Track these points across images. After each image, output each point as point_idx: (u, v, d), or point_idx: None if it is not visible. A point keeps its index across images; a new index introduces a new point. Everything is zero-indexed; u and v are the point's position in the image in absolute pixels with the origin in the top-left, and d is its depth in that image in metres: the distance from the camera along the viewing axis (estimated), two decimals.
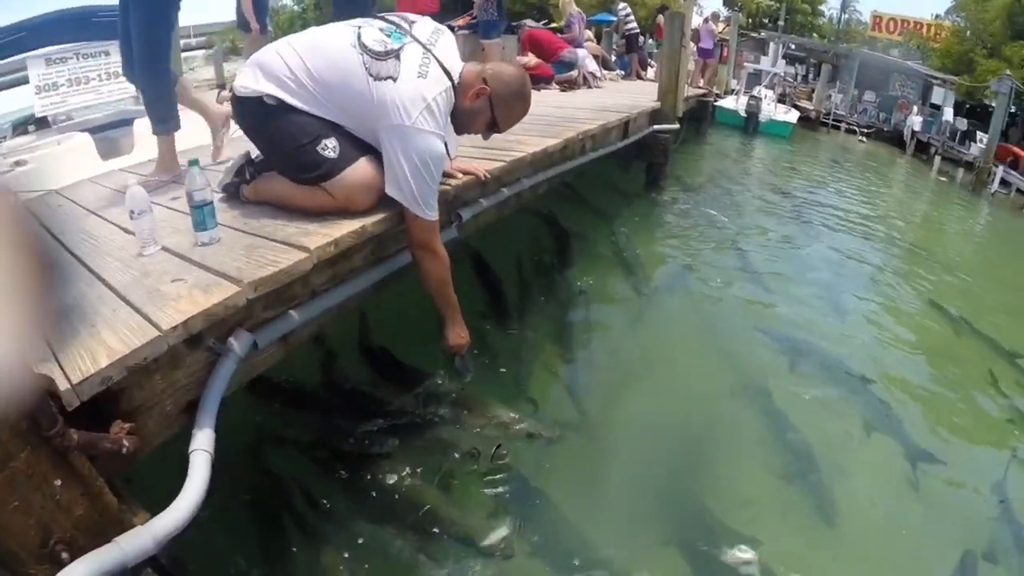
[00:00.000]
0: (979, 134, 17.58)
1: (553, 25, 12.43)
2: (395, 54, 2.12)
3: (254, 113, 2.20)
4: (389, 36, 2.16)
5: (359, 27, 2.19)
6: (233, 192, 2.50)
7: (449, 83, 2.20)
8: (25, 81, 6.62)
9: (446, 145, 2.23)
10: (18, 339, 0.97)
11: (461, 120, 2.35)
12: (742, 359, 3.78)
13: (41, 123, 7.00)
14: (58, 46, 6.84)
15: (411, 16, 2.34)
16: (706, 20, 13.00)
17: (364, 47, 2.11)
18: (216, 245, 1.99)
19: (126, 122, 6.25)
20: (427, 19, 2.37)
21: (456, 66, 2.27)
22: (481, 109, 2.31)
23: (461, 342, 2.60)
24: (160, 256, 1.97)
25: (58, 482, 1.24)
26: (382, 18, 2.28)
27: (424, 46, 2.18)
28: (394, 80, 2.08)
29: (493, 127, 2.40)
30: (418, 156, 2.09)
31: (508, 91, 2.33)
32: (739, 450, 2.97)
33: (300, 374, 2.94)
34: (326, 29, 2.27)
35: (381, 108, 2.08)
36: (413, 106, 2.07)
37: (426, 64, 2.14)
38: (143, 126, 5.91)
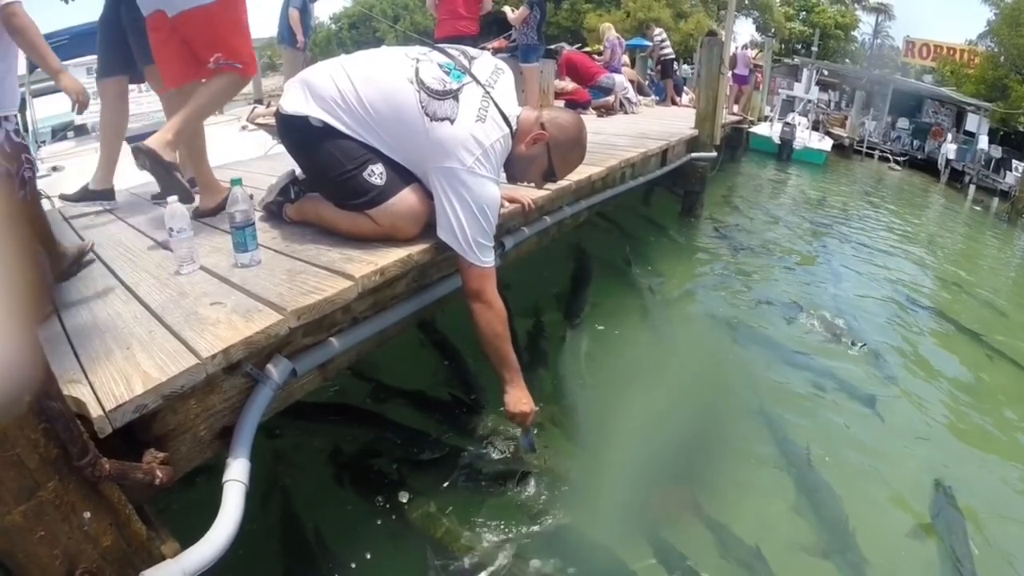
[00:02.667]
0: (1015, 162, 17.25)
1: (587, 49, 12.47)
2: (454, 94, 2.06)
3: (299, 133, 2.16)
4: (448, 73, 2.11)
5: (418, 60, 2.13)
6: (275, 211, 2.46)
7: (507, 130, 2.14)
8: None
9: None
10: (16, 339, 0.92)
11: (517, 167, 2.29)
12: (772, 391, 3.68)
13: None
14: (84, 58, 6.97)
15: (471, 51, 2.29)
16: (744, 47, 12.97)
17: (422, 83, 2.06)
18: (256, 267, 1.95)
19: None
20: (487, 56, 2.31)
21: (514, 111, 2.22)
22: (538, 155, 2.25)
23: (525, 410, 2.32)
24: (198, 276, 1.93)
25: (87, 513, 1.18)
26: (442, 51, 2.23)
27: (484, 87, 2.12)
28: (451, 122, 2.02)
29: (549, 176, 2.34)
30: (474, 202, 2.03)
31: (566, 138, 2.27)
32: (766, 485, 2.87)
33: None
34: (383, 57, 2.21)
35: (436, 149, 2.02)
36: (469, 151, 2.01)
37: (485, 108, 2.08)
38: None
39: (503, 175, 2.27)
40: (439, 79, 2.08)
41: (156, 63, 2.63)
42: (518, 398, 2.30)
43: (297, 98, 2.14)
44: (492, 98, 2.11)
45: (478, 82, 2.13)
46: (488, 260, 2.13)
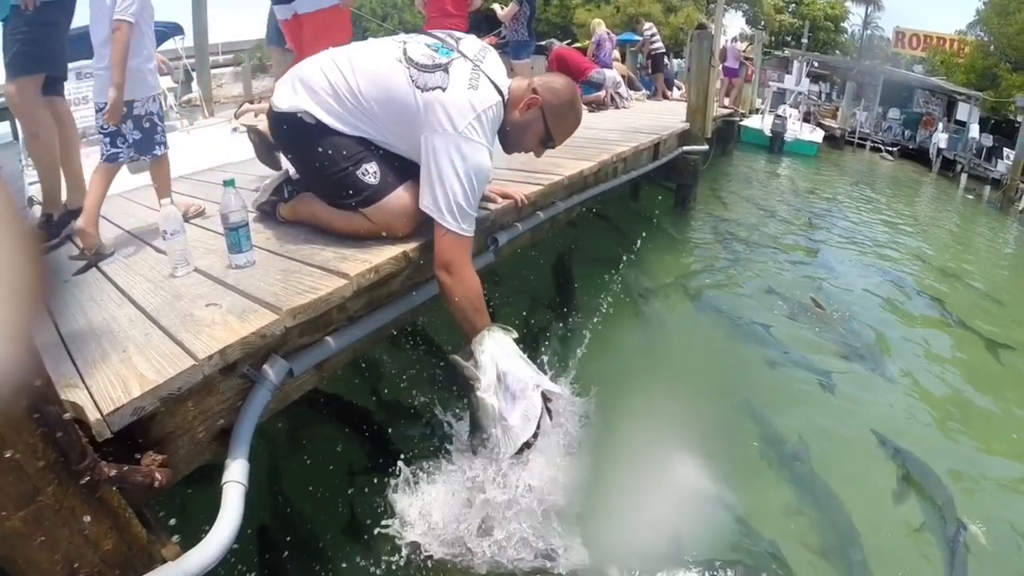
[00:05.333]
0: (1006, 150, 17.26)
1: (577, 45, 12.45)
2: (443, 67, 2.07)
3: (292, 130, 2.15)
4: (437, 51, 2.12)
5: (404, 42, 2.15)
6: (268, 211, 2.46)
7: (499, 98, 2.14)
8: None
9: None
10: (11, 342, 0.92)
11: (513, 136, 2.28)
12: (765, 384, 3.71)
13: None
14: (89, 60, 6.94)
15: (457, 33, 2.29)
16: (733, 40, 12.96)
17: (410, 60, 2.07)
18: (251, 268, 1.95)
19: None
20: (473, 37, 2.31)
21: (504, 82, 2.21)
22: (533, 120, 2.24)
23: None
24: (193, 278, 1.93)
25: (87, 518, 1.18)
26: (428, 34, 2.24)
27: (473, 62, 2.13)
28: (443, 90, 2.03)
29: (547, 141, 2.31)
30: (463, 166, 2.00)
31: (559, 100, 2.26)
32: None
33: None
34: (371, 45, 2.22)
35: (427, 115, 2.02)
36: (462, 115, 2.01)
37: (476, 77, 2.08)
38: (173, 142, 5.98)
39: (497, 146, 2.28)
40: (427, 55, 2.10)
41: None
42: None
43: (288, 93, 2.15)
44: (482, 70, 2.12)
45: (466, 57, 2.14)
46: (467, 229, 2.06)
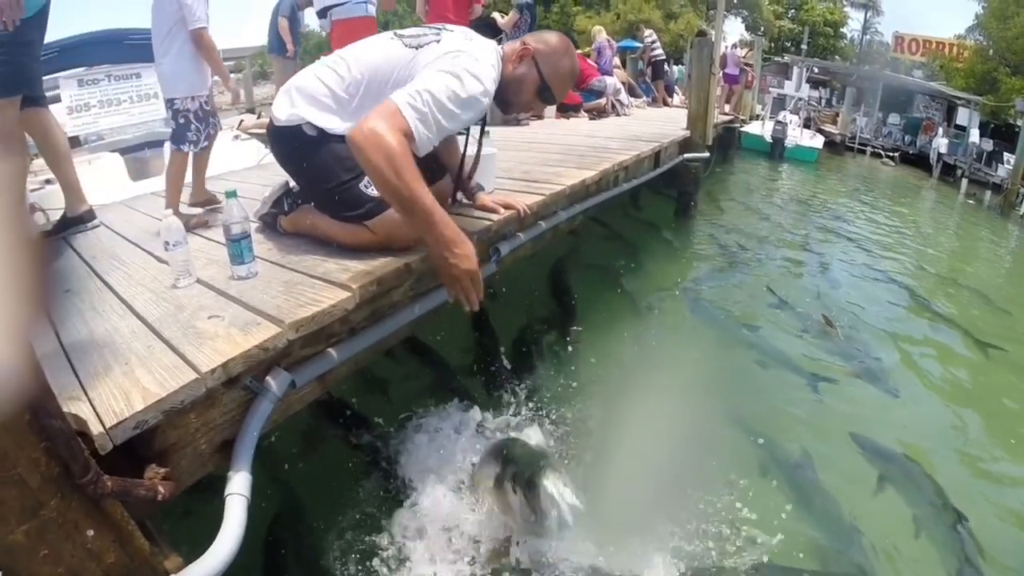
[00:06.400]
0: (1006, 155, 17.23)
1: (578, 51, 12.46)
2: (435, 34, 2.15)
3: (292, 144, 2.16)
4: (427, 30, 2.20)
5: (395, 33, 2.22)
6: (270, 223, 2.46)
7: (495, 51, 2.17)
8: (57, 100, 6.73)
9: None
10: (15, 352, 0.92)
11: (509, 91, 2.25)
12: (767, 393, 3.71)
13: (72, 142, 7.11)
14: (90, 67, 6.97)
15: (445, 25, 2.34)
16: (733, 46, 12.99)
17: (402, 36, 2.16)
18: (253, 280, 1.95)
19: (156, 144, 6.33)
20: (460, 27, 2.35)
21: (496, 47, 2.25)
22: (527, 72, 2.22)
23: (452, 271, 1.91)
24: (195, 289, 1.93)
25: (90, 531, 1.18)
26: (416, 27, 2.32)
27: (462, 35, 2.19)
28: (438, 43, 2.10)
29: (543, 92, 2.26)
30: (449, 79, 1.93)
31: (551, 48, 2.25)
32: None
33: None
34: (362, 42, 2.27)
35: (425, 58, 2.06)
36: (459, 50, 2.04)
37: (469, 38, 2.15)
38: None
39: (496, 144, 2.31)
40: (418, 32, 2.19)
41: None
42: (440, 254, 1.91)
43: (286, 105, 2.16)
44: (471, 39, 2.17)
45: (454, 32, 2.21)
46: (420, 128, 1.87)
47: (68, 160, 3.06)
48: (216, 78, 3.30)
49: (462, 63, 1.99)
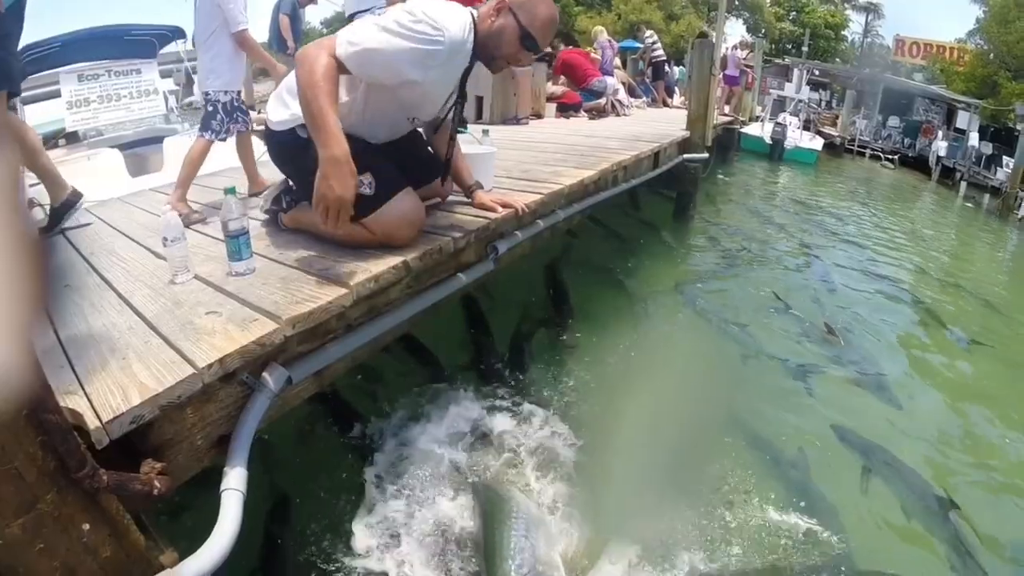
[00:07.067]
0: (1005, 159, 17.25)
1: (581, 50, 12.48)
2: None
3: (286, 146, 2.17)
4: None
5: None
6: (271, 220, 2.47)
7: (466, 14, 2.15)
8: (57, 95, 6.72)
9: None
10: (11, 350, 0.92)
11: (490, 45, 2.20)
12: (763, 393, 3.69)
13: (71, 137, 7.11)
14: (90, 62, 6.96)
15: None
16: (734, 47, 12.99)
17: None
18: (251, 276, 1.96)
19: (156, 140, 6.32)
20: None
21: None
22: (505, 22, 2.17)
23: (326, 191, 1.87)
24: (193, 285, 1.94)
25: (86, 525, 1.19)
26: None
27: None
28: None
29: (525, 39, 2.19)
30: (404, 7, 1.95)
31: None
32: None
33: None
34: None
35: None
36: (418, 7, 2.00)
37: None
38: (173, 144, 5.99)
39: (493, 141, 2.27)
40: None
41: None
42: (323, 171, 1.87)
43: (280, 108, 2.18)
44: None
45: None
46: (340, 41, 1.93)
47: (41, 152, 3.10)
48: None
49: (416, 4, 1.99)
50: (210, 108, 3.33)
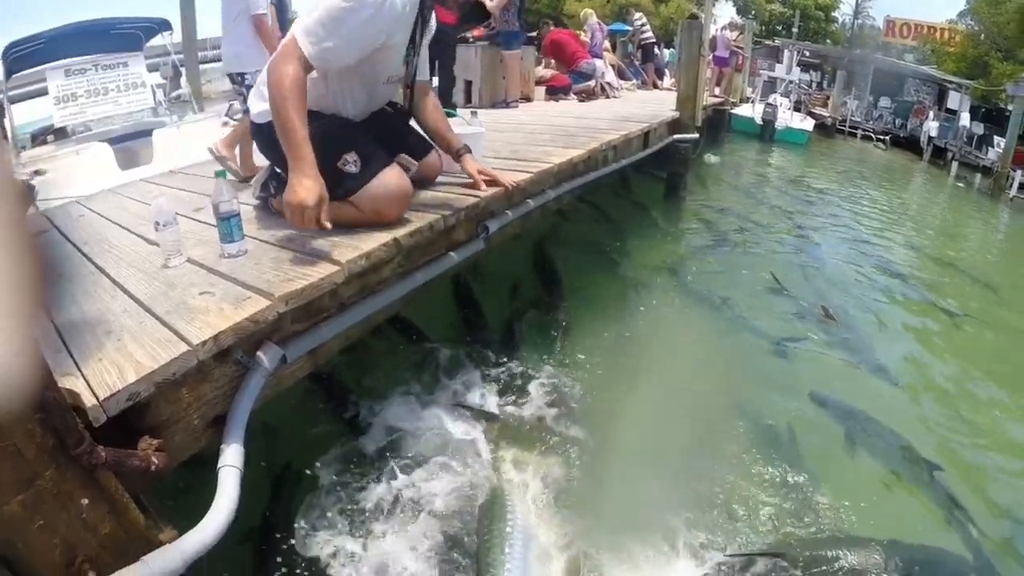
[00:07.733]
0: (996, 139, 17.32)
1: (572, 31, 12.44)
2: None
3: (269, 137, 2.17)
4: None
5: None
6: (264, 204, 2.49)
7: None
8: (44, 92, 6.69)
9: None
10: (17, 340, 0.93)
11: None
12: (756, 374, 3.70)
13: (60, 133, 7.08)
14: (77, 57, 6.92)
15: None
16: (722, 29, 12.95)
17: None
18: (244, 257, 1.97)
19: (145, 133, 6.29)
20: None
21: None
22: None
23: (293, 199, 1.88)
24: (186, 268, 1.95)
25: (85, 501, 1.21)
26: None
27: None
28: None
29: None
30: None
31: None
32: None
33: None
34: None
35: None
36: None
37: None
38: (161, 137, 5.97)
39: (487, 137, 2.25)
40: None
41: None
42: (291, 179, 1.92)
43: (259, 101, 2.21)
44: None
45: None
46: (313, 49, 1.97)
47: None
48: None
49: None
50: (245, 91, 3.56)
